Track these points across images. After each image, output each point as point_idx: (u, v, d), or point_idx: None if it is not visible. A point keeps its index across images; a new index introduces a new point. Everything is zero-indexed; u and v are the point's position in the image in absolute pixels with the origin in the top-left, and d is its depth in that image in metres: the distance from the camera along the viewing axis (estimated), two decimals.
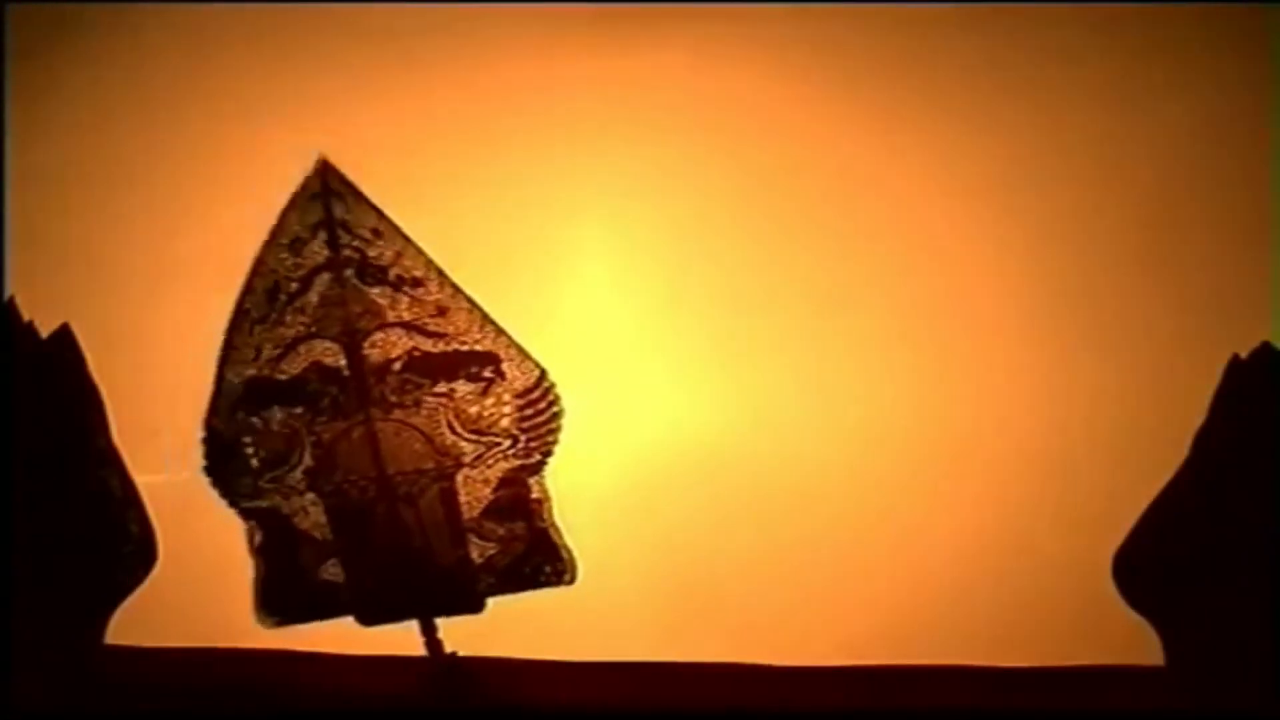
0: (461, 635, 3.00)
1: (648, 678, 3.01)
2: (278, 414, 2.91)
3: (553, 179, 3.62)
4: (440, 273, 2.96)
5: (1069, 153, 3.67)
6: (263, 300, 2.93)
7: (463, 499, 2.95)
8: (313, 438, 2.91)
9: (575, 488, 3.03)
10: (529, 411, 2.94)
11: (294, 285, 2.92)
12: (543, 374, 2.95)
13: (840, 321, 3.61)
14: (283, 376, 2.91)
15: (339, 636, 3.11)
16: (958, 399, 3.57)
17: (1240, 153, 3.62)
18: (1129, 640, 3.03)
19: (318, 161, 2.96)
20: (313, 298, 2.92)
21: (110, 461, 3.03)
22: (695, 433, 3.64)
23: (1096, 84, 3.68)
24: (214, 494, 3.38)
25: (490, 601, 2.97)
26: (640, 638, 3.12)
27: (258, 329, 2.92)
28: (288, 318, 2.92)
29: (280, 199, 3.67)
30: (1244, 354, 3.00)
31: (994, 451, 3.52)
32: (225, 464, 2.92)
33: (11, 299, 3.02)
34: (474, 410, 2.94)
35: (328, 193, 2.95)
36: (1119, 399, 3.51)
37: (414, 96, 3.66)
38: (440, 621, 2.98)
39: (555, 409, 2.95)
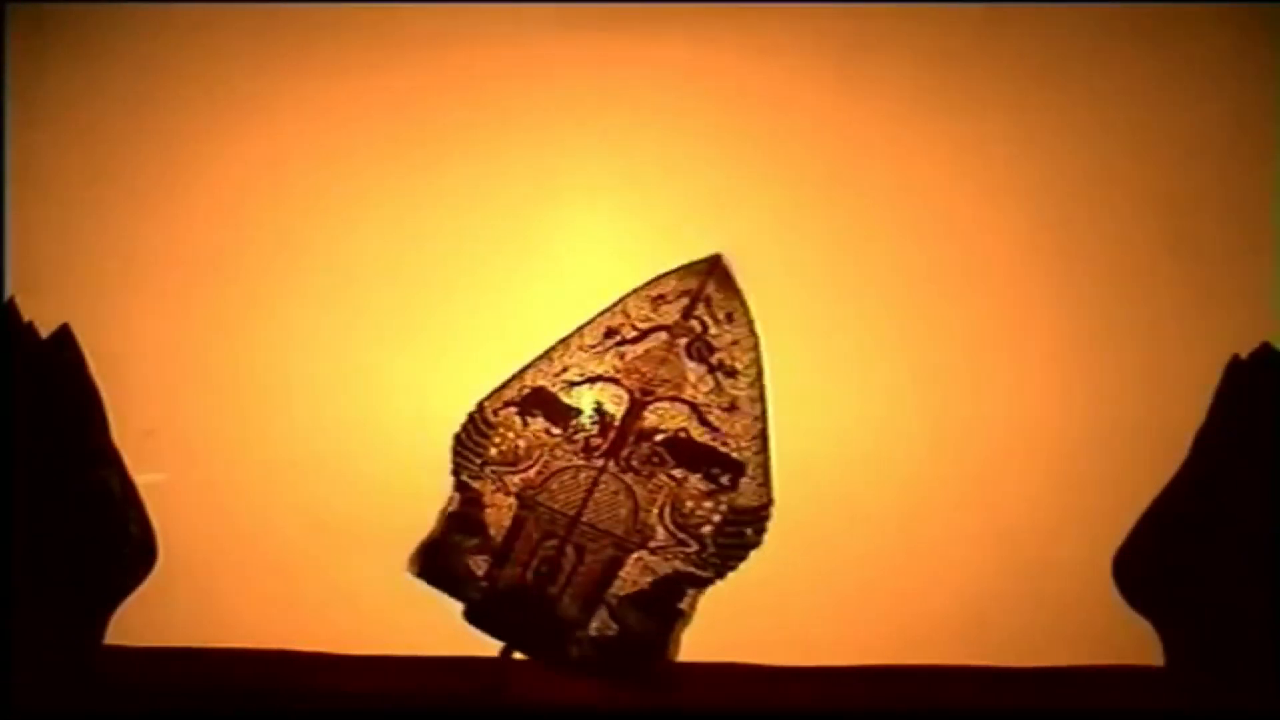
0: (462, 635, 3.01)
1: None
2: (540, 423, 2.99)
3: (554, 173, 3.62)
4: (759, 373, 2.99)
5: (1068, 154, 3.66)
6: (599, 334, 3.00)
7: (621, 574, 2.96)
8: (548, 458, 2.98)
9: None
10: (733, 529, 2.95)
11: (632, 334, 3.00)
12: (769, 504, 2.96)
13: (842, 320, 3.61)
14: (566, 399, 2.98)
15: (339, 637, 3.11)
16: (956, 399, 3.57)
17: (1240, 153, 3.61)
18: (1129, 640, 3.03)
19: (714, 256, 3.01)
20: (639, 349, 2.99)
21: (110, 461, 3.03)
22: None
23: (1098, 83, 3.68)
24: (216, 495, 3.42)
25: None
26: None
27: (579, 354, 3.00)
28: (607, 358, 2.99)
29: (280, 198, 3.69)
30: (1244, 354, 3.01)
31: (992, 451, 3.51)
32: (471, 440, 3.00)
33: (11, 299, 3.03)
34: (690, 505, 2.95)
35: (713, 271, 3.01)
36: (1119, 399, 3.51)
37: (411, 94, 3.66)
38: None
39: (757, 541, 2.96)
